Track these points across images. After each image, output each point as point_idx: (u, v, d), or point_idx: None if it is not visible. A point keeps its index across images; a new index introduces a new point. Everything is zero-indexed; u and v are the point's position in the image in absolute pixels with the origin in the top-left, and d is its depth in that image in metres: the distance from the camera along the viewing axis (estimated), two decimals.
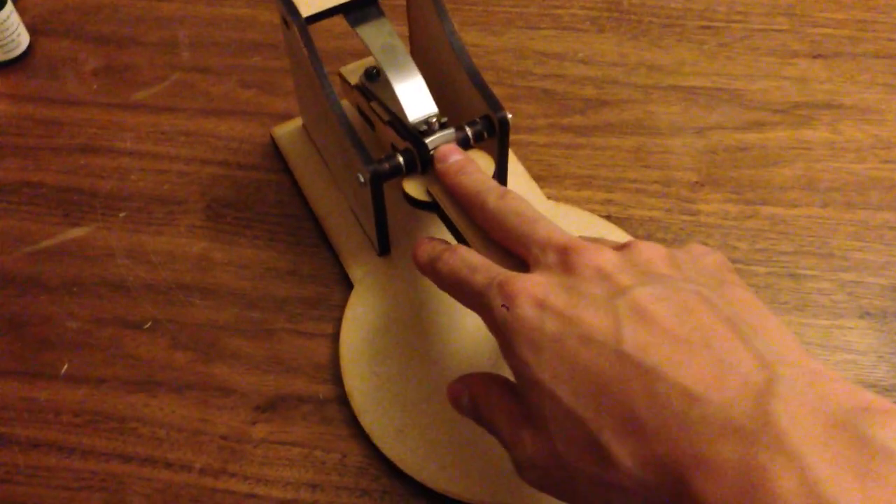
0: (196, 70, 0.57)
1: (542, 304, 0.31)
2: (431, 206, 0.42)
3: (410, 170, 0.42)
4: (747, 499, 0.24)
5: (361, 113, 0.49)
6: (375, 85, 0.46)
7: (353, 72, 0.48)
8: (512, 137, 0.52)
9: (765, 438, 0.24)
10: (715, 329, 0.28)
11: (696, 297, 0.29)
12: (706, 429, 0.26)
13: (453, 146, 0.41)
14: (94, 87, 0.56)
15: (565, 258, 0.32)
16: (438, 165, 0.40)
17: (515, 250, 0.35)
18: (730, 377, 0.26)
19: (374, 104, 0.46)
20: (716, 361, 0.27)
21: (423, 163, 0.42)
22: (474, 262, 0.35)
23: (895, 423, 0.24)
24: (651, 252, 0.32)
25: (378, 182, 0.41)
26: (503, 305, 0.31)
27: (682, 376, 0.27)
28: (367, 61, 0.48)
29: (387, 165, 0.41)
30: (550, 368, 0.29)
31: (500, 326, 0.32)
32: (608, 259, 0.32)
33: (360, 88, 0.47)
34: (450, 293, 0.36)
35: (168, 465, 0.41)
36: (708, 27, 0.58)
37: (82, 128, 0.54)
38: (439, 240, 0.38)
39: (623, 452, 0.27)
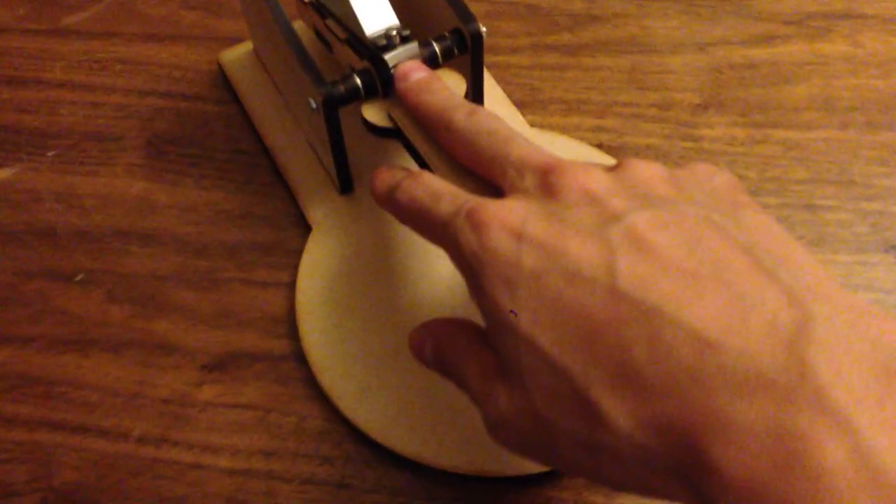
0: None
1: (518, 234, 0.26)
2: (392, 133, 0.36)
3: (370, 93, 0.36)
4: (784, 473, 0.19)
5: (318, 35, 0.43)
6: (331, 1, 0.40)
7: None
8: (492, 59, 0.46)
9: (802, 395, 0.20)
10: (730, 260, 0.23)
11: (704, 223, 0.24)
12: (725, 383, 0.21)
13: (417, 63, 0.35)
14: (20, 11, 0.50)
15: (546, 180, 0.27)
16: (399, 85, 0.35)
17: (488, 175, 0.30)
18: (752, 318, 0.21)
19: (329, 22, 0.40)
20: (734, 298, 0.22)
21: (383, 84, 0.36)
22: (439, 188, 0.30)
23: None
24: (648, 172, 0.27)
25: (332, 107, 0.36)
26: (472, 236, 0.26)
27: (692, 317, 0.22)
28: None
29: (342, 88, 0.36)
30: (528, 310, 0.25)
31: (469, 261, 0.27)
32: (597, 180, 0.26)
33: (315, 4, 0.41)
34: (412, 227, 0.31)
35: (102, 433, 0.36)
36: None
37: (6, 57, 0.48)
38: (401, 167, 0.33)
39: (617, 411, 0.23)
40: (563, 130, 0.44)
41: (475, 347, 0.28)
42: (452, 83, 0.37)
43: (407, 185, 0.31)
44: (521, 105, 0.45)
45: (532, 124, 0.44)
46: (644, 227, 0.24)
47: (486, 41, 0.37)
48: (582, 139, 0.44)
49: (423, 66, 0.35)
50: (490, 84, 0.45)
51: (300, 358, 0.38)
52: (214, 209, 0.42)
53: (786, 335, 0.21)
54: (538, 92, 0.46)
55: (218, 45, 0.48)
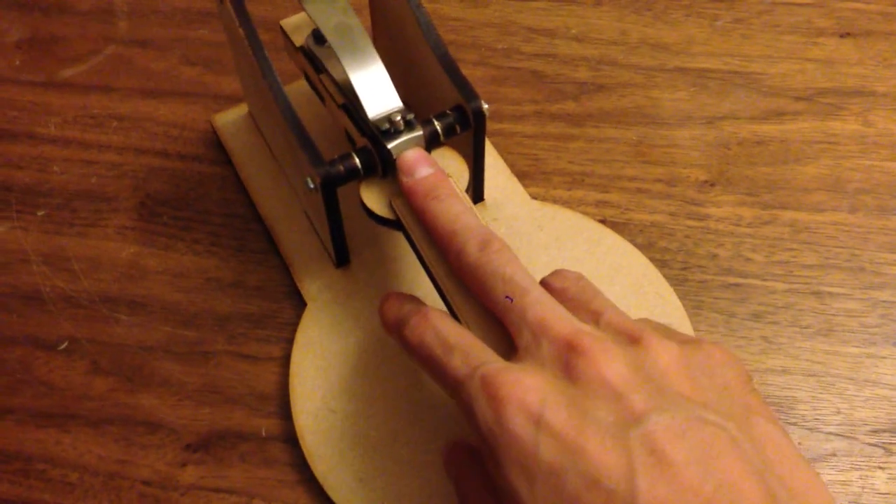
0: (134, 43, 0.50)
1: (536, 420, 0.26)
2: (394, 224, 0.35)
3: (369, 172, 0.35)
4: None
5: (308, 80, 0.41)
6: (325, 51, 0.38)
7: (299, 28, 0.40)
8: (494, 127, 0.45)
9: None
10: (743, 489, 0.24)
11: (721, 436, 0.25)
12: None
13: (420, 154, 0.34)
14: (17, 62, 0.49)
15: (567, 360, 0.27)
16: (404, 179, 0.34)
17: (499, 318, 0.30)
18: None
19: (324, 77, 0.38)
20: None
21: (384, 165, 0.35)
22: (449, 337, 0.29)
23: None
24: (666, 359, 0.27)
25: (331, 188, 0.35)
26: (488, 410, 0.27)
27: None
28: None
29: (341, 168, 0.35)
30: (544, 502, 0.25)
31: (484, 435, 0.27)
32: (618, 372, 0.26)
33: (307, 53, 0.39)
34: (419, 367, 0.31)
35: None
36: (721, 0, 0.51)
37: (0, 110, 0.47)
38: (408, 297, 0.33)
39: None
40: (566, 204, 0.43)
41: (484, 495, 0.29)
42: (454, 166, 0.36)
43: (415, 324, 0.30)
44: (523, 176, 0.44)
45: (534, 196, 0.43)
46: (662, 436, 0.25)
47: (490, 108, 0.36)
48: (586, 213, 0.42)
49: (428, 159, 0.34)
50: (491, 154, 0.44)
51: (288, 439, 0.37)
52: (206, 276, 0.41)
53: None
54: (541, 163, 0.45)
55: (217, 103, 0.47)
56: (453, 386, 0.29)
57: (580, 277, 0.32)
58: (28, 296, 0.41)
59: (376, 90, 0.35)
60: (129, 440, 0.37)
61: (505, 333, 0.30)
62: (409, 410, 0.36)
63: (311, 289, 0.39)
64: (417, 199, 0.33)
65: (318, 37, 0.39)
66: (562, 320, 0.28)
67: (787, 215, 0.43)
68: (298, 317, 0.39)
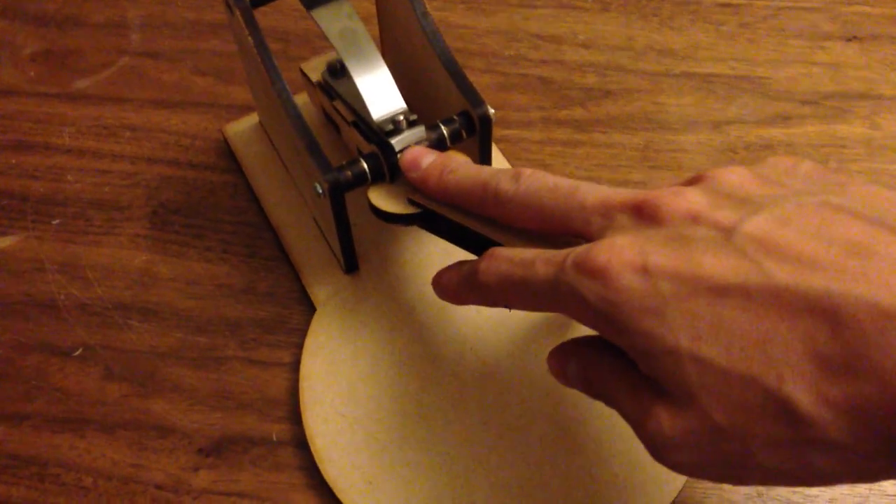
0: (146, 55, 0.50)
1: (643, 268, 0.25)
2: (411, 219, 0.35)
3: (376, 177, 0.36)
4: None
5: (327, 115, 0.42)
6: (339, 82, 0.40)
7: (316, 68, 0.41)
8: (502, 133, 0.46)
9: None
10: (868, 233, 0.23)
11: (825, 207, 0.24)
12: None
13: (421, 148, 0.35)
14: (32, 74, 0.50)
15: (642, 213, 0.27)
16: (412, 175, 0.34)
17: (564, 230, 0.29)
18: None
19: (337, 103, 0.39)
20: (892, 266, 0.22)
21: (390, 168, 0.35)
22: (521, 256, 0.29)
23: None
24: (737, 177, 0.27)
25: (339, 193, 0.35)
26: (593, 285, 0.26)
27: (863, 293, 0.22)
28: (332, 55, 0.41)
29: (349, 173, 0.35)
30: (687, 332, 0.24)
31: (599, 308, 0.26)
32: (693, 199, 0.26)
33: (323, 86, 0.41)
34: (508, 304, 0.30)
35: None
36: (727, 5, 0.51)
37: (15, 121, 0.48)
38: (457, 263, 0.32)
39: (818, 402, 0.23)
40: None
41: (620, 369, 0.28)
42: None
43: (485, 266, 0.30)
44: None
45: None
46: (767, 228, 0.24)
47: (497, 114, 0.36)
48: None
49: (429, 150, 0.35)
50: (498, 160, 0.44)
51: (299, 443, 0.37)
52: (217, 283, 0.42)
53: None
54: (549, 169, 0.45)
55: (228, 113, 0.47)
56: (550, 291, 0.28)
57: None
58: (43, 303, 0.41)
59: (380, 92, 0.35)
60: (142, 445, 0.37)
61: (575, 244, 0.29)
62: (417, 414, 0.37)
63: (320, 294, 0.40)
64: (433, 181, 0.33)
65: (331, 69, 0.40)
66: (622, 191, 0.28)
67: None
68: (308, 322, 0.39)
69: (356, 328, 0.39)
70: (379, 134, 0.35)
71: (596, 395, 0.29)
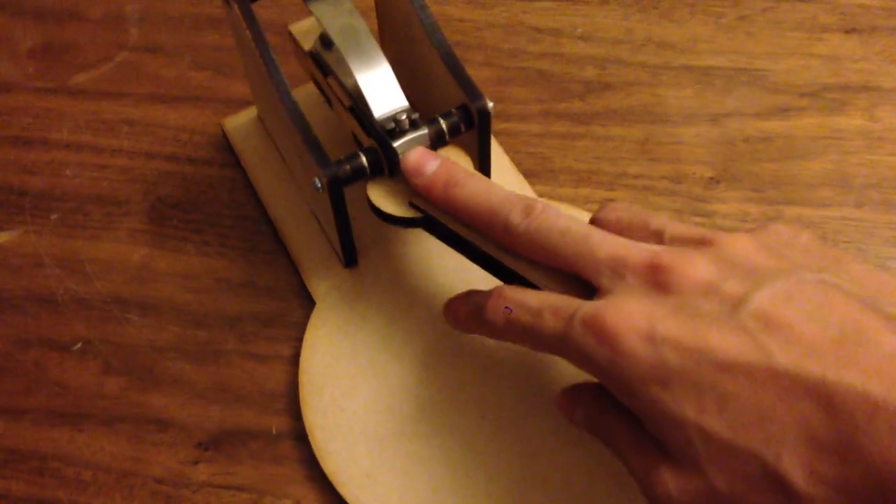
0: (145, 49, 0.50)
1: (650, 336, 0.27)
2: (413, 222, 0.35)
3: (375, 172, 0.36)
4: None
5: (317, 85, 0.42)
6: (332, 55, 0.39)
7: (307, 33, 0.40)
8: (501, 126, 0.46)
9: None
10: (861, 319, 0.25)
11: (822, 287, 0.26)
12: None
13: (422, 151, 0.34)
14: (30, 69, 0.50)
15: (655, 279, 0.28)
16: (415, 181, 0.34)
17: (571, 271, 0.30)
18: None
19: (331, 80, 0.39)
20: (881, 356, 0.24)
21: (390, 165, 0.35)
22: (531, 302, 0.30)
23: None
24: (742, 246, 0.28)
25: (337, 187, 0.35)
26: (600, 348, 0.27)
27: (854, 380, 0.24)
28: None
29: (347, 168, 0.35)
30: (692, 404, 0.26)
31: (606, 371, 0.27)
32: (705, 269, 0.28)
33: (315, 57, 0.40)
34: (515, 342, 0.31)
35: None
36: None
37: (13, 116, 0.48)
38: (469, 292, 0.34)
39: (808, 480, 0.25)
40: (573, 202, 0.43)
41: (624, 423, 0.29)
42: (458, 161, 0.36)
43: (493, 304, 0.31)
44: (530, 175, 0.44)
45: (541, 195, 0.43)
46: (770, 305, 0.26)
47: (496, 108, 0.36)
48: (592, 211, 0.43)
49: (432, 155, 0.34)
50: (498, 153, 0.44)
51: (297, 436, 0.37)
52: (215, 277, 0.42)
53: None
54: (548, 161, 0.45)
55: (226, 107, 0.47)
56: (557, 344, 0.29)
57: (628, 204, 0.33)
58: (42, 298, 0.41)
59: (382, 90, 0.35)
60: (141, 438, 0.37)
61: (582, 284, 0.30)
62: (415, 407, 0.37)
63: (319, 289, 0.40)
64: (437, 192, 0.33)
65: (325, 41, 0.39)
66: (633, 249, 0.29)
67: (793, 211, 0.43)
68: (307, 316, 0.39)
69: (355, 322, 0.39)
70: (380, 132, 0.35)
71: (603, 442, 0.30)
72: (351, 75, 0.36)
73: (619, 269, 0.28)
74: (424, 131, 0.35)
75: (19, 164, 0.46)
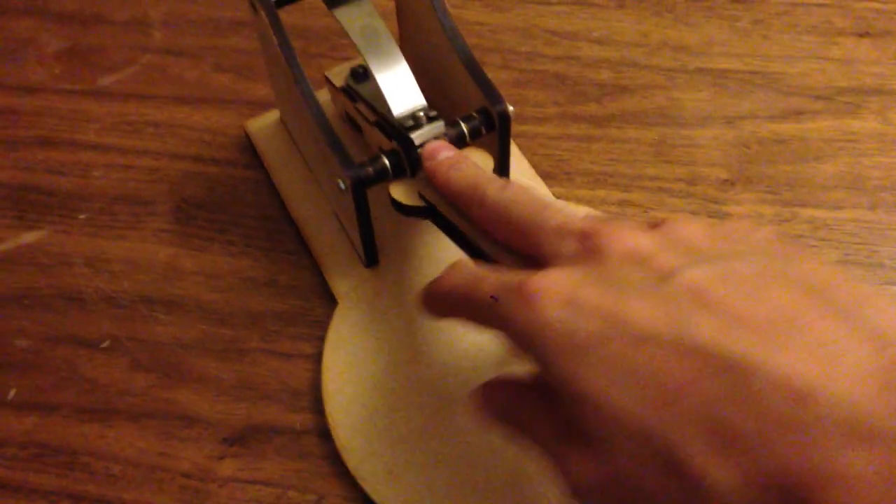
0: (168, 52, 0.51)
1: (571, 302, 0.25)
2: (422, 212, 0.36)
3: (398, 173, 0.36)
4: None
5: (350, 120, 0.43)
6: (361, 85, 0.41)
7: (339, 73, 0.43)
8: (518, 129, 0.46)
9: None
10: (802, 306, 0.22)
11: (763, 272, 0.24)
12: (826, 433, 0.20)
13: (442, 142, 0.35)
14: (56, 71, 0.51)
15: (588, 244, 0.26)
16: (427, 164, 0.35)
17: (525, 247, 0.29)
18: (840, 364, 0.21)
19: (359, 105, 0.40)
20: (816, 345, 0.22)
21: (411, 164, 0.36)
22: (478, 270, 0.29)
23: None
24: (691, 228, 0.26)
25: (360, 189, 0.36)
26: (522, 312, 0.26)
27: (778, 367, 0.21)
28: (355, 62, 0.43)
29: (370, 169, 0.36)
30: (599, 378, 0.24)
31: (526, 337, 0.26)
32: (641, 240, 0.26)
33: (346, 90, 0.42)
34: (460, 317, 0.30)
35: None
36: (741, 1, 0.52)
37: (41, 118, 0.49)
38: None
39: (715, 470, 0.22)
40: (589, 203, 0.44)
41: (542, 408, 0.27)
42: (480, 161, 0.37)
43: (445, 273, 0.30)
44: (547, 176, 0.45)
45: (558, 196, 0.44)
46: (702, 281, 0.24)
47: (514, 110, 0.37)
48: (608, 213, 0.43)
49: (450, 146, 0.35)
50: (516, 155, 0.45)
51: (321, 433, 0.38)
52: (240, 277, 0.43)
53: (879, 379, 0.21)
54: (564, 163, 0.46)
55: (248, 109, 0.48)
56: (489, 309, 0.27)
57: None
58: (71, 297, 0.42)
59: (401, 89, 0.36)
60: (168, 434, 0.38)
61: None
62: (437, 405, 0.37)
63: (341, 288, 0.41)
64: (440, 175, 0.34)
65: (355, 74, 0.41)
66: (578, 219, 0.28)
67: (807, 213, 0.43)
68: (329, 315, 0.40)
69: (377, 320, 0.40)
70: (399, 129, 0.36)
71: (518, 434, 0.29)
72: (374, 82, 0.37)
73: (561, 237, 0.27)
74: (441, 124, 0.36)
75: (47, 165, 0.47)
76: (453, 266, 0.30)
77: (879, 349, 0.21)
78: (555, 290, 0.25)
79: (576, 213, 0.29)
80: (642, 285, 0.25)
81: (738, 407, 0.22)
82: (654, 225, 0.27)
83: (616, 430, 0.24)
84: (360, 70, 0.41)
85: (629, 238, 0.26)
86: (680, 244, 0.26)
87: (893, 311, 0.23)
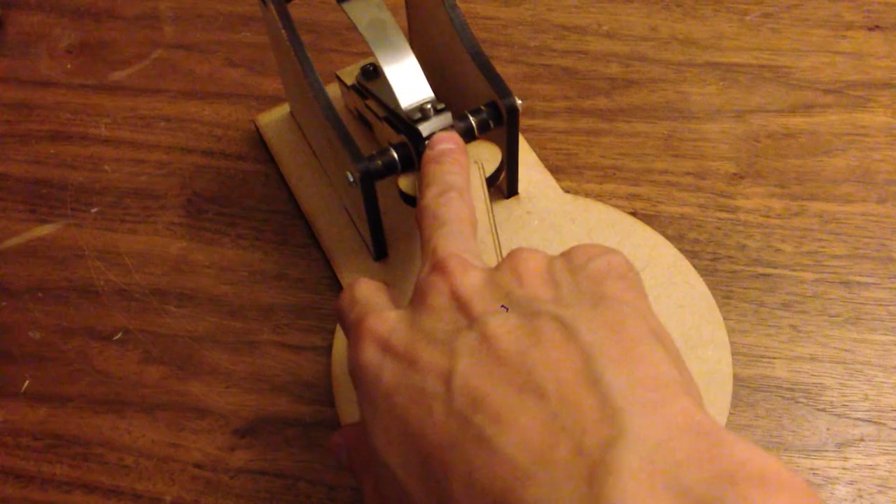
0: (179, 47, 0.52)
1: (384, 346, 0.25)
2: (405, 197, 0.37)
3: (406, 166, 0.37)
4: None
5: (361, 117, 0.44)
6: (371, 83, 0.41)
7: (350, 73, 0.43)
8: (526, 123, 0.47)
9: None
10: (559, 365, 0.22)
11: (552, 324, 0.23)
12: None
13: (449, 134, 0.36)
14: (68, 65, 0.51)
15: (429, 278, 0.27)
16: (426, 152, 0.35)
17: None
18: (561, 443, 0.20)
19: (370, 102, 0.41)
20: (548, 417, 0.21)
21: (419, 156, 0.36)
22: (358, 294, 0.29)
23: (774, 500, 0.18)
24: (528, 266, 0.26)
25: (369, 181, 0.36)
26: (351, 351, 0.26)
27: (508, 443, 0.21)
28: (365, 60, 0.43)
29: (379, 162, 0.36)
30: (384, 433, 0.24)
31: (351, 377, 0.26)
32: (471, 284, 0.26)
33: (356, 88, 0.42)
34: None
35: (136, 496, 0.37)
36: None
37: (53, 112, 0.49)
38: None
39: None
40: (598, 197, 0.44)
41: (367, 455, 0.27)
42: (488, 155, 0.37)
43: (342, 291, 0.31)
44: (556, 170, 0.45)
45: (567, 190, 0.44)
46: (493, 332, 0.23)
47: (523, 104, 0.37)
48: (617, 206, 0.43)
49: (454, 138, 0.35)
50: (524, 149, 0.45)
51: (331, 425, 0.38)
52: (250, 269, 0.43)
53: (588, 465, 0.20)
54: (573, 157, 0.46)
55: (259, 104, 0.48)
56: (347, 334, 0.28)
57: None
58: (84, 289, 0.43)
59: (409, 82, 0.36)
60: (180, 425, 0.39)
61: None
62: None
63: (350, 280, 0.41)
64: (425, 165, 0.34)
65: (365, 72, 0.41)
66: (452, 246, 0.27)
67: (816, 206, 0.43)
68: None
69: None
70: (407, 121, 0.36)
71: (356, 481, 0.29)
72: (383, 77, 0.37)
73: (424, 262, 0.28)
74: (449, 117, 0.36)
75: (60, 159, 0.47)
76: (354, 283, 0.31)
77: (602, 421, 0.20)
78: (377, 331, 0.25)
79: (464, 239, 0.28)
80: (442, 333, 0.24)
81: (463, 484, 0.21)
82: (505, 259, 0.27)
83: (392, 488, 0.24)
84: (371, 68, 0.41)
85: (459, 279, 0.26)
86: (503, 287, 0.26)
87: (657, 370, 0.22)
